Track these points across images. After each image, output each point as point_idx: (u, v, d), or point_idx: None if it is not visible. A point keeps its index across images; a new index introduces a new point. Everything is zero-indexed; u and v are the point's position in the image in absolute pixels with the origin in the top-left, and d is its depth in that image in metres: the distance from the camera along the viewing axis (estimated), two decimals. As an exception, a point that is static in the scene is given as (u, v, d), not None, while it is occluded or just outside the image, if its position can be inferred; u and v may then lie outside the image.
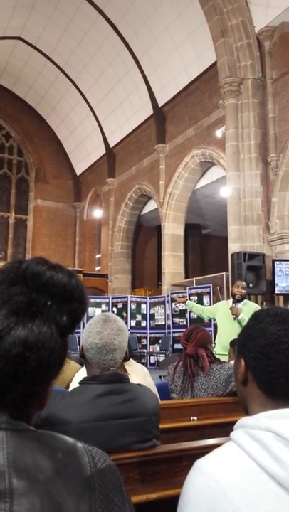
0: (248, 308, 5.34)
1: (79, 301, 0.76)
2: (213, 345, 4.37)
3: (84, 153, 18.50)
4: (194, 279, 13.18)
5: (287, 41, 9.77)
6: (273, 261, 9.32)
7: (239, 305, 5.39)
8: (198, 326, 3.45)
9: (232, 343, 3.96)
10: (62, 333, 0.73)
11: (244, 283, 5.73)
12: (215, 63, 10.87)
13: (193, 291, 11.69)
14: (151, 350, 12.81)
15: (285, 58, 9.74)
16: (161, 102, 14.03)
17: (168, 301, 12.46)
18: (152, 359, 12.51)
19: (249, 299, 9.34)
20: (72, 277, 0.76)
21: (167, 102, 13.83)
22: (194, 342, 3.16)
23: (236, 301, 5.45)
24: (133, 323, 12.88)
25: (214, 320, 5.84)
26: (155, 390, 2.68)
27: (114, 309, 13.05)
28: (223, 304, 5.77)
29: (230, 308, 5.34)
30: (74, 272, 0.78)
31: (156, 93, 14.01)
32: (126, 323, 12.02)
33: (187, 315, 11.61)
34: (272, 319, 0.94)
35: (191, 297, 11.53)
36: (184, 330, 3.52)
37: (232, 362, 3.50)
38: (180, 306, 12.03)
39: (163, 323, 12.75)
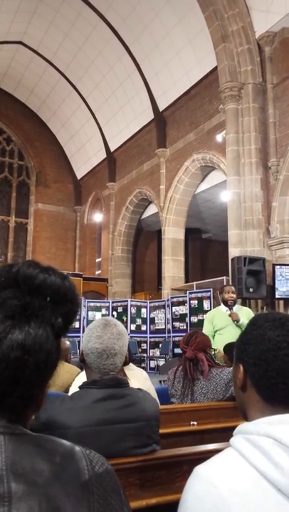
0: (245, 313, 5.45)
1: (72, 302, 0.77)
2: (213, 351, 4.34)
3: (85, 157, 18.54)
4: (194, 283, 13.17)
5: (287, 46, 9.81)
6: (274, 265, 9.32)
7: (234, 309, 5.42)
8: (198, 331, 3.46)
9: (225, 349, 3.94)
10: (57, 334, 0.74)
11: (233, 287, 5.76)
12: (216, 68, 10.91)
13: (193, 295, 11.68)
14: (151, 354, 12.79)
15: (286, 63, 9.77)
16: (162, 107, 14.07)
17: (168, 305, 12.44)
18: (152, 363, 12.49)
19: (249, 304, 9.39)
20: (65, 279, 0.77)
21: (168, 106, 13.87)
22: (194, 346, 3.16)
23: (229, 306, 5.46)
24: (133, 327, 12.87)
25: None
26: (155, 395, 2.68)
27: (115, 313, 13.04)
28: (218, 311, 5.68)
29: (230, 315, 5.34)
30: (66, 274, 0.79)
31: (156, 98, 14.05)
32: (126, 327, 11.99)
33: (187, 319, 11.60)
34: (271, 324, 0.94)
35: (191, 301, 11.54)
36: (184, 334, 3.53)
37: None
38: (180, 311, 12.02)
39: (163, 327, 12.73)
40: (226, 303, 5.48)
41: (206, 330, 5.43)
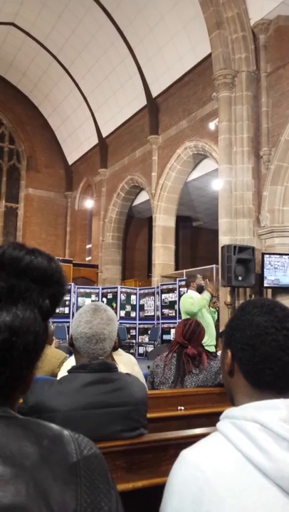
0: None
1: (59, 284, 0.77)
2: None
3: (76, 142, 18.37)
4: (184, 271, 13.20)
5: (282, 35, 9.74)
6: (263, 254, 9.36)
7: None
8: (197, 321, 3.33)
9: (222, 335, 3.99)
10: (44, 316, 0.74)
11: None
12: (209, 55, 10.81)
13: (182, 283, 11.71)
14: (140, 340, 12.86)
15: (280, 52, 9.71)
16: (155, 93, 13.94)
17: (158, 293, 12.49)
18: (141, 349, 12.56)
19: (238, 292, 9.49)
20: (51, 261, 0.76)
21: (161, 92, 13.75)
22: (196, 343, 3.14)
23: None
24: (122, 313, 12.90)
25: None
26: (143, 380, 2.69)
27: (104, 300, 13.06)
28: (197, 295, 5.97)
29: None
30: (52, 256, 0.78)
31: (150, 84, 13.92)
32: (115, 313, 12.03)
33: (176, 306, 11.64)
34: (259, 310, 0.95)
35: (180, 289, 11.58)
36: (172, 321, 3.53)
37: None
38: (169, 298, 12.07)
39: (152, 314, 12.79)
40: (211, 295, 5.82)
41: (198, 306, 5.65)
